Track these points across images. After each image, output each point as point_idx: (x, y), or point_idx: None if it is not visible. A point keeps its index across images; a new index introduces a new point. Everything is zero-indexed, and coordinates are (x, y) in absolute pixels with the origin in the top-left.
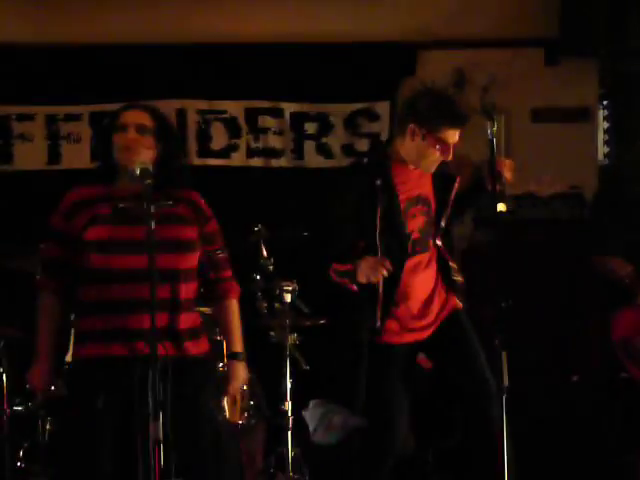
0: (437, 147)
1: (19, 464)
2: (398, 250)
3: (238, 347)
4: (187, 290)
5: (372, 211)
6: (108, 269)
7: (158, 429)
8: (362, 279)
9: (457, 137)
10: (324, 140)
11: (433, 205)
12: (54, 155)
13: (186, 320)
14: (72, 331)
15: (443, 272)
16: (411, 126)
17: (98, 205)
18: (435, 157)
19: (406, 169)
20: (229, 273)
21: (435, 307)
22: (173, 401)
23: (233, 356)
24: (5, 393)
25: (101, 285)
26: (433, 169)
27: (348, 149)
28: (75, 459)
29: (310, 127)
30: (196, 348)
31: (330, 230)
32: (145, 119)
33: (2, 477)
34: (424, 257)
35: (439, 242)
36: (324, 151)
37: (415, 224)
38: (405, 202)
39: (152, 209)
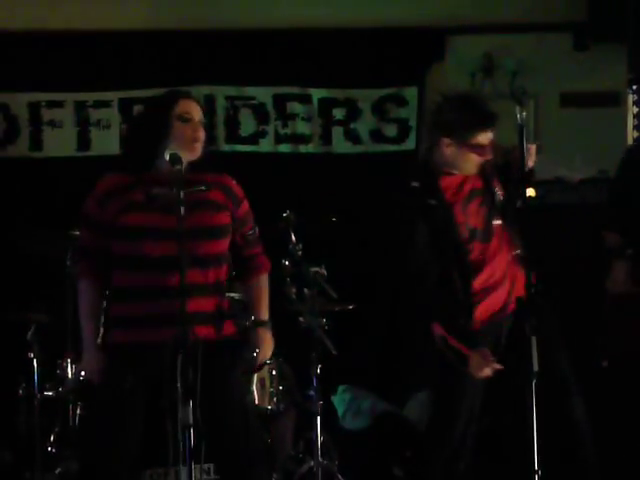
0: (474, 152)
1: (50, 449)
2: (462, 264)
3: (265, 315)
4: (218, 273)
5: (436, 231)
6: (141, 256)
7: (188, 414)
8: (471, 370)
9: (491, 136)
10: (352, 126)
11: (487, 191)
12: (84, 142)
13: (216, 303)
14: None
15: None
16: (443, 140)
17: (131, 192)
18: (475, 161)
19: (451, 175)
20: (260, 249)
21: (506, 289)
22: (203, 384)
23: (260, 324)
24: (36, 378)
25: (133, 272)
26: (475, 170)
27: (376, 135)
28: (100, 441)
29: (338, 113)
30: (225, 330)
31: (423, 265)
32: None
33: (33, 462)
34: (491, 245)
35: (499, 221)
36: (352, 137)
37: (477, 218)
38: (461, 203)
39: (183, 195)
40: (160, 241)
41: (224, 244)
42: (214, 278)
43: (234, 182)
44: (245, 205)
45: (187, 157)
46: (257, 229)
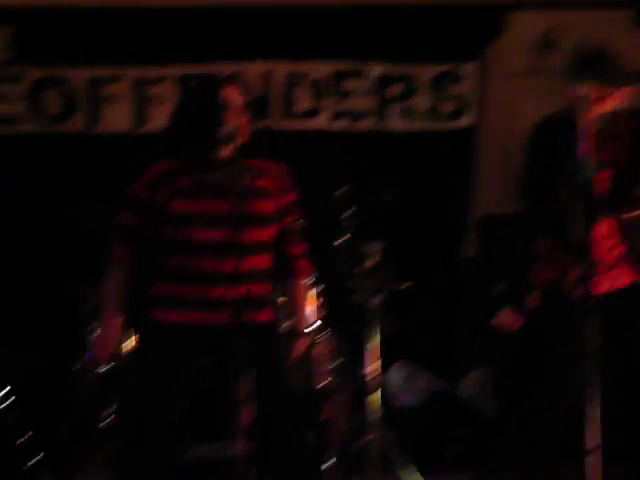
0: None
1: (105, 424)
2: (584, 212)
3: (302, 327)
4: (263, 261)
5: (559, 169)
6: (190, 241)
7: (243, 389)
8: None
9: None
10: (409, 102)
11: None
12: (141, 117)
13: (261, 289)
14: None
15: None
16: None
17: (181, 177)
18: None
19: (595, 133)
20: (302, 249)
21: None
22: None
23: (295, 334)
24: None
25: (182, 256)
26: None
27: (433, 112)
28: (142, 416)
29: (395, 89)
30: (268, 315)
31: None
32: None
33: (89, 437)
34: (607, 223)
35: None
36: (408, 114)
37: (599, 189)
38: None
39: (232, 182)
40: (209, 227)
41: (270, 232)
42: (259, 264)
43: (285, 170)
44: (291, 195)
45: (232, 142)
46: (304, 223)
